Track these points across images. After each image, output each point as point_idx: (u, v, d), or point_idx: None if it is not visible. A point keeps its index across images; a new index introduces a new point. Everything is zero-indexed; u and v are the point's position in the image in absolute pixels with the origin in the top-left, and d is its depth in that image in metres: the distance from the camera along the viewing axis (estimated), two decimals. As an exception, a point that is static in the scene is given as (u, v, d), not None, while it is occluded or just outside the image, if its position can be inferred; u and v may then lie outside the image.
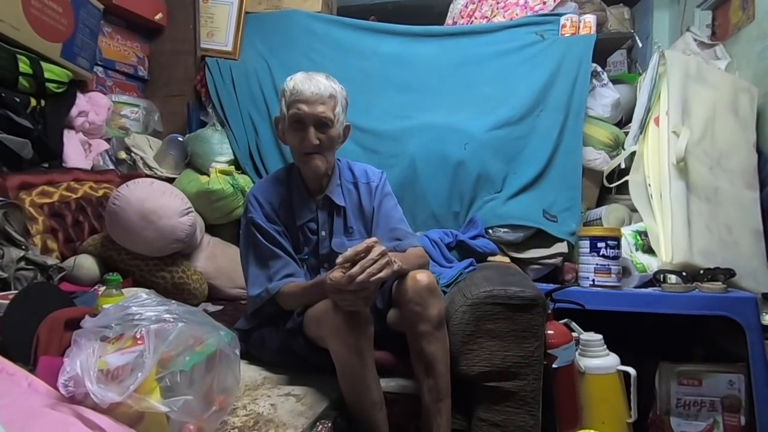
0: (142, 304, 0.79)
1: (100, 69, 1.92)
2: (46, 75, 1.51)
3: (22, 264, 1.16)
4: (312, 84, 1.11)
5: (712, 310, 1.43)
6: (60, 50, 1.56)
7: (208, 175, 1.81)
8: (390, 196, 1.26)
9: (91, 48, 1.71)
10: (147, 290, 1.15)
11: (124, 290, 1.04)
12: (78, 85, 1.70)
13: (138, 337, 0.72)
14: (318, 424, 0.92)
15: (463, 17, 2.25)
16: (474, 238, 1.68)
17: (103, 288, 1.09)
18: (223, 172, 1.81)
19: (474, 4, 2.24)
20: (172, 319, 0.77)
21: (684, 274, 1.51)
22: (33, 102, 1.49)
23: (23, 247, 1.19)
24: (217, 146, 1.91)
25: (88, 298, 1.15)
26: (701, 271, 1.52)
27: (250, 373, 1.12)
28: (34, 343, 0.84)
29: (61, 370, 0.68)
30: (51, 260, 1.26)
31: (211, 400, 0.80)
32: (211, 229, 1.83)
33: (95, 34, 1.74)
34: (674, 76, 1.75)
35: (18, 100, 1.43)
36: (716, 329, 1.58)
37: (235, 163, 1.95)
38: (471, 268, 1.43)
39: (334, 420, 0.95)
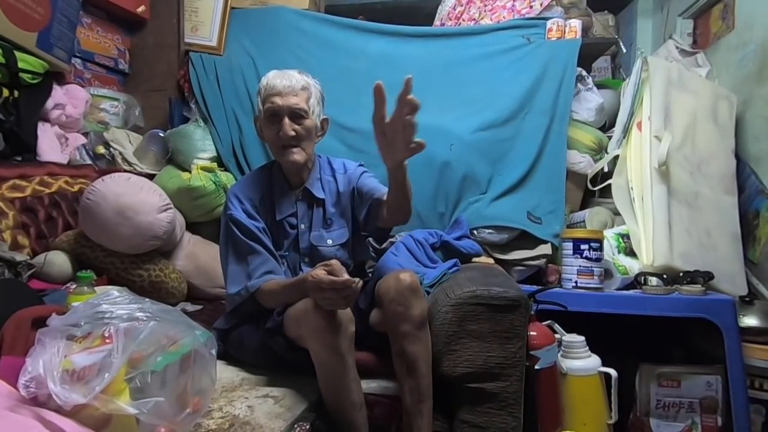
0: (114, 302, 0.76)
1: (79, 61, 1.86)
2: (20, 65, 1.45)
3: (-11, 260, 1.11)
4: (284, 78, 1.16)
5: (691, 313, 1.44)
6: (35, 40, 1.51)
7: (190, 172, 1.77)
8: (368, 172, 1.30)
9: (68, 39, 1.66)
10: (120, 288, 1.12)
11: (96, 288, 1.00)
12: (55, 76, 1.64)
13: (107, 335, 0.69)
14: (296, 426, 0.90)
15: (450, 19, 2.26)
16: (459, 238, 1.68)
17: (75, 286, 1.05)
18: (204, 168, 1.77)
19: (462, 6, 2.24)
20: (144, 318, 0.74)
21: (664, 276, 1.53)
22: (5, 92, 1.44)
23: (-10, 242, 1.15)
24: (200, 142, 1.87)
25: (59, 296, 1.10)
26: (681, 274, 1.54)
27: (227, 374, 1.09)
28: (-2, 342, 0.80)
29: (23, 370, 0.65)
30: (20, 256, 1.21)
31: (185, 402, 0.77)
32: (192, 227, 1.78)
33: (73, 24, 1.68)
34: (657, 82, 1.77)
35: (-11, 90, 1.38)
36: (695, 331, 1.60)
37: (218, 159, 1.91)
38: (455, 268, 1.42)
39: (312, 422, 0.93)
